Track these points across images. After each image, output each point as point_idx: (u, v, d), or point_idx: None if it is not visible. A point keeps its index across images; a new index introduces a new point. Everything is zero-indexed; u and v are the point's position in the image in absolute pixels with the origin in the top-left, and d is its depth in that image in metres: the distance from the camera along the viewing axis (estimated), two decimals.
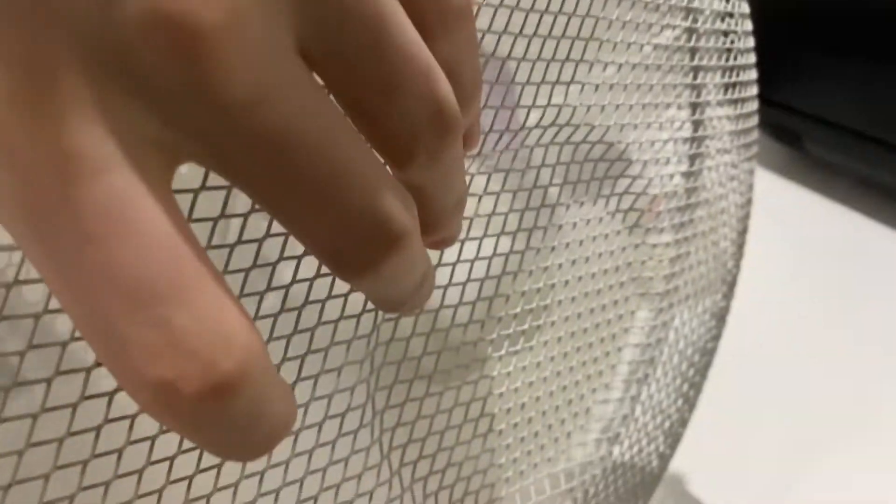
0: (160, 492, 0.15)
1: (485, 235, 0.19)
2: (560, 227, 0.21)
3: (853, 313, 0.57)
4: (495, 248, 0.20)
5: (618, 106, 0.21)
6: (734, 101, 0.28)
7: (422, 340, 0.19)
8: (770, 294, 0.56)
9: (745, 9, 0.28)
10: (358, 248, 0.11)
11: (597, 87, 0.20)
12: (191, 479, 0.15)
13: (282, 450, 0.17)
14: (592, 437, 0.26)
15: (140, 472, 0.14)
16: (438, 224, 0.13)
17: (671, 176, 0.26)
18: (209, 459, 0.15)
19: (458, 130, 0.12)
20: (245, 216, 0.14)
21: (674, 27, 0.24)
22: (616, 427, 0.28)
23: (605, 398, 0.26)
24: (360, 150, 0.11)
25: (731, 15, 0.27)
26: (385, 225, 0.11)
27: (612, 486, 0.28)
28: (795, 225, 0.64)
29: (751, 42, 0.28)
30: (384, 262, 0.11)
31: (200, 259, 0.10)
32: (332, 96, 0.11)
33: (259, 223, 0.14)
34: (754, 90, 0.29)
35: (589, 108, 0.20)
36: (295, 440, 0.16)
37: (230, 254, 0.14)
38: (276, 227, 0.14)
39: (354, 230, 0.11)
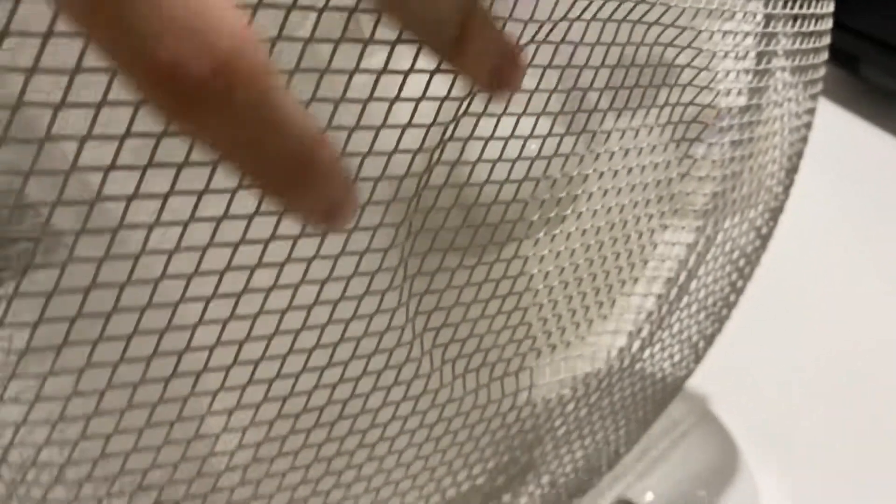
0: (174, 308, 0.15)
1: (524, 113, 0.19)
2: (605, 112, 0.20)
3: None
4: (534, 128, 0.19)
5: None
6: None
7: (461, 213, 0.19)
8: (813, 222, 0.55)
9: None
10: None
11: None
12: (225, 322, 0.15)
13: (305, 295, 0.17)
14: (616, 328, 0.26)
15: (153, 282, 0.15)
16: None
17: (727, 73, 0.24)
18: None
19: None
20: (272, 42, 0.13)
21: None
22: (641, 322, 0.28)
23: (633, 293, 0.26)
24: None
25: None
26: None
27: (627, 380, 0.28)
28: (845, 153, 0.61)
29: None
30: None
31: None
32: None
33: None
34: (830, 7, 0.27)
35: None
36: (320, 290, 0.17)
37: None
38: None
39: None
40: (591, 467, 0.32)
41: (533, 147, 0.19)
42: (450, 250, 0.19)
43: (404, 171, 0.17)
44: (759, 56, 0.25)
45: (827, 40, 0.28)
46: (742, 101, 0.26)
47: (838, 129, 0.62)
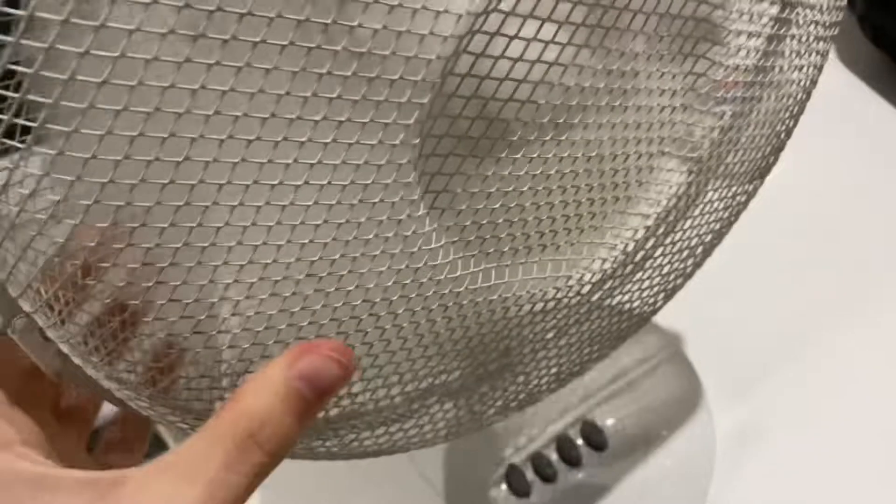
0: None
1: (548, 19, 0.20)
2: (622, 32, 0.22)
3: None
4: (555, 35, 0.21)
5: None
6: None
7: (478, 105, 0.21)
8: (827, 195, 0.56)
9: None
10: None
11: None
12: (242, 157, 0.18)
13: (331, 154, 0.19)
14: (605, 240, 0.28)
15: None
16: None
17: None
18: None
19: None
20: None
21: None
22: (630, 242, 0.30)
23: (626, 210, 0.28)
24: None
25: None
26: None
27: (607, 293, 0.30)
28: (869, 137, 0.61)
29: None
30: None
31: None
32: None
33: None
34: None
35: None
36: (346, 152, 0.19)
37: None
38: None
39: None
40: (561, 373, 0.35)
41: (551, 54, 0.21)
42: (463, 138, 0.21)
43: (434, 55, 0.18)
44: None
45: None
46: (759, 41, 0.27)
47: (864, 108, 0.63)
